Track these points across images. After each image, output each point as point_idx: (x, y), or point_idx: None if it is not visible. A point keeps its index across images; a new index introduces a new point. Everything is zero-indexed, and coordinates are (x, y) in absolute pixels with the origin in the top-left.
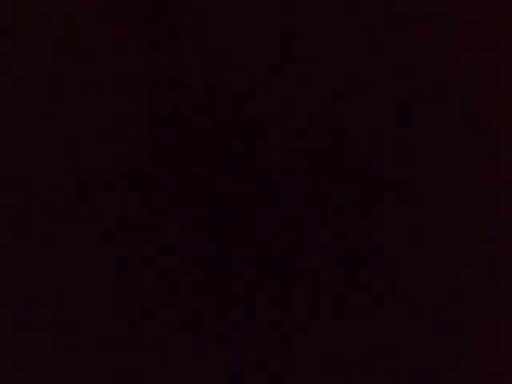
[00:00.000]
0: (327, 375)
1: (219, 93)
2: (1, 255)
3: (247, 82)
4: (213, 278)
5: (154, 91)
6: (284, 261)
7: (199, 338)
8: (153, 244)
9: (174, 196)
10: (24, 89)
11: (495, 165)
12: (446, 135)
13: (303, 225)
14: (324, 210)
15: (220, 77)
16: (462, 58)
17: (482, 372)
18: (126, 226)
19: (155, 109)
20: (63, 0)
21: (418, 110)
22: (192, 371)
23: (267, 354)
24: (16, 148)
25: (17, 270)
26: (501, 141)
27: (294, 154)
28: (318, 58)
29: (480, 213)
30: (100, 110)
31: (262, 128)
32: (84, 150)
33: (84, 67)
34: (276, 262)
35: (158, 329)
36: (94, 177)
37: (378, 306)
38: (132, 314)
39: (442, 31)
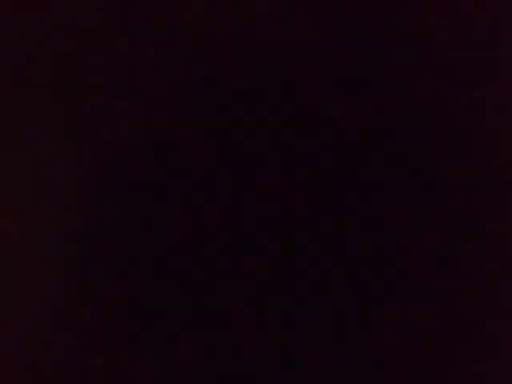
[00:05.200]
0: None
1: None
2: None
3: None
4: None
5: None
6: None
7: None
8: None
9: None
10: None
11: (495, 165)
12: (446, 136)
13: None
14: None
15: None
16: (462, 58)
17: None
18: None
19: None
20: None
21: (418, 109)
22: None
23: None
24: None
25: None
26: (501, 139)
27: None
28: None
29: (480, 213)
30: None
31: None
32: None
33: None
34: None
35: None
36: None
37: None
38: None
39: (442, 31)
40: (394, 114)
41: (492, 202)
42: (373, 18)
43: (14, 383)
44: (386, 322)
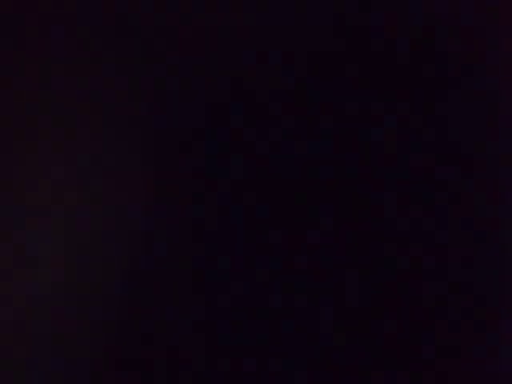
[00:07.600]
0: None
1: None
2: None
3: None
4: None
5: None
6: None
7: None
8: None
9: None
10: None
11: (495, 165)
12: (446, 136)
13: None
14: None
15: None
16: (462, 56)
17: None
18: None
19: None
20: None
21: (418, 109)
22: None
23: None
24: None
25: None
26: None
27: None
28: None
29: (481, 213)
30: None
31: None
32: None
33: None
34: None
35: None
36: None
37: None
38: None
39: (442, 30)
40: (392, 113)
41: (492, 202)
42: (373, 17)
43: None
44: (386, 321)
